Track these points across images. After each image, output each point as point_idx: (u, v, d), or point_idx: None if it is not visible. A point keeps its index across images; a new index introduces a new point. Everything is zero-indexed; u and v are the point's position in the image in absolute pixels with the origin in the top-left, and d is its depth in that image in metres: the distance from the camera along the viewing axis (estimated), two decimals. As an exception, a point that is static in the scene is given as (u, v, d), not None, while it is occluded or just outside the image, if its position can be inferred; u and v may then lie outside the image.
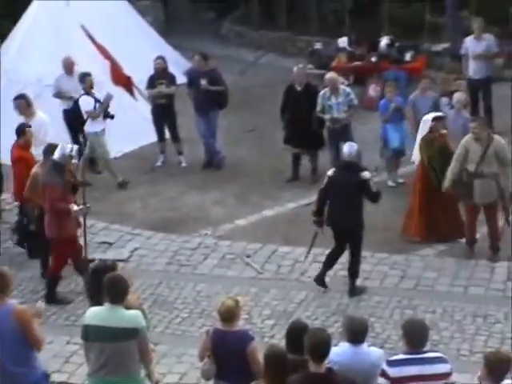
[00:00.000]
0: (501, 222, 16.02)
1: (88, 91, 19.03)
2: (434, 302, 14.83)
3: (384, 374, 9.68)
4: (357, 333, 9.94)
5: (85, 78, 19.08)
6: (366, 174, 14.75)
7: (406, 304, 14.80)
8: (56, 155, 15.03)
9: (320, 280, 15.17)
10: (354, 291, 15.16)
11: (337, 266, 15.42)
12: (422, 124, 17.05)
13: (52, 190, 14.87)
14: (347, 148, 15.20)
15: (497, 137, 15.91)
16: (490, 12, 22.65)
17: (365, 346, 10.01)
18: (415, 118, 18.34)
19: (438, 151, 16.40)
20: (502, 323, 14.23)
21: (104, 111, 19.08)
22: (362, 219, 14.96)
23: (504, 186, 15.58)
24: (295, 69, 19.46)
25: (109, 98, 19.14)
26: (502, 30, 21.65)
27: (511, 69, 23.83)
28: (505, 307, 14.62)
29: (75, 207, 14.95)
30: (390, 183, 18.51)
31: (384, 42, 24.51)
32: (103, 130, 19.19)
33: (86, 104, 19.05)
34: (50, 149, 15.24)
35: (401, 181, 18.83)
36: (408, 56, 24.09)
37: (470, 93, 20.58)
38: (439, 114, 17.01)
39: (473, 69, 20.92)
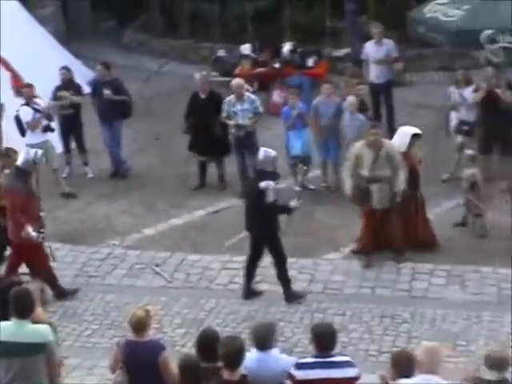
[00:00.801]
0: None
1: (28, 101, 18.88)
2: (342, 304, 15.09)
3: (290, 377, 9.84)
4: (263, 339, 10.02)
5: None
6: (262, 184, 14.77)
7: (316, 307, 14.99)
8: (19, 161, 15.07)
9: (248, 293, 15.32)
10: (291, 297, 15.23)
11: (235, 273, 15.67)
12: (397, 135, 16.96)
13: (14, 197, 14.91)
14: (259, 155, 15.31)
15: (387, 141, 16.23)
16: (388, 17, 22.98)
17: (274, 351, 10.07)
18: (318, 122, 18.57)
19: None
20: (408, 323, 14.59)
21: (45, 121, 18.90)
22: (273, 227, 15.05)
23: (396, 190, 15.87)
24: (198, 76, 19.55)
25: (49, 108, 19.04)
26: (400, 35, 21.90)
27: (411, 73, 24.25)
28: (410, 307, 15.01)
29: (29, 230, 14.79)
30: (297, 188, 18.60)
31: (286, 48, 24.68)
32: (46, 141, 18.88)
33: (25, 115, 18.86)
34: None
35: (312, 187, 18.97)
36: (310, 61, 24.28)
37: (371, 97, 20.96)
38: (418, 131, 16.92)
39: (374, 73, 21.12)
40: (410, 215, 16.33)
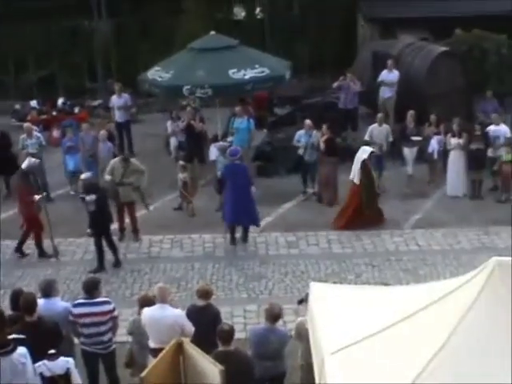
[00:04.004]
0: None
1: None
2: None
3: (70, 313, 9.89)
4: (43, 289, 9.99)
5: None
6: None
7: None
8: (24, 165, 14.92)
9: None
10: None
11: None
12: (361, 151, 16.35)
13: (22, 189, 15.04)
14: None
15: (133, 160, 16.08)
16: (125, 78, 23.02)
17: (56, 299, 10.05)
18: (84, 148, 18.36)
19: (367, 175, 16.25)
20: (148, 274, 14.39)
21: None
22: (105, 224, 14.67)
23: (141, 187, 15.80)
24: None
25: None
26: (133, 90, 22.00)
27: (142, 114, 24.30)
28: (150, 264, 14.80)
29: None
30: (72, 192, 18.42)
31: (60, 101, 24.50)
32: None
33: None
34: None
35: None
36: (76, 109, 24.08)
37: (117, 131, 20.73)
38: (373, 150, 16.66)
39: (118, 115, 20.89)
40: None
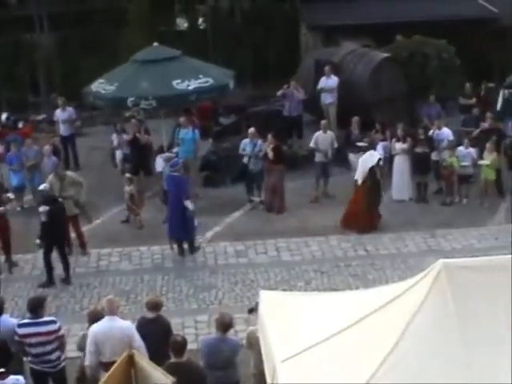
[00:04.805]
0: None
1: None
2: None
3: (15, 333, 9.82)
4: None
5: None
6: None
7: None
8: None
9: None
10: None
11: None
12: (369, 155, 16.63)
13: None
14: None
15: (69, 173, 15.98)
16: (69, 91, 22.78)
17: (4, 317, 10.04)
18: (28, 163, 18.21)
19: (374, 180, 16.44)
20: (98, 287, 14.28)
21: None
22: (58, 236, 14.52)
23: (81, 202, 15.73)
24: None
25: None
26: (78, 103, 21.79)
27: (86, 127, 24.02)
28: (99, 278, 14.70)
29: None
30: (18, 208, 18.20)
31: (4, 116, 24.06)
32: None
33: None
34: None
35: (26, 206, 18.18)
36: (21, 124, 23.68)
37: (62, 145, 20.62)
38: (380, 157, 16.88)
39: (62, 129, 20.75)
40: None
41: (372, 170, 16.43)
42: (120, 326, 9.49)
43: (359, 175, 16.51)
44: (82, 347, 10.01)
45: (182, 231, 15.43)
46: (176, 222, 15.30)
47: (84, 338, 9.95)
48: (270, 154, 17.52)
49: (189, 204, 15.26)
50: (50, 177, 15.81)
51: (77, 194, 15.65)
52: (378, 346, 6.41)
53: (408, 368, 6.25)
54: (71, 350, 10.65)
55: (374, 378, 6.20)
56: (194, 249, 15.68)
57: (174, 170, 15.49)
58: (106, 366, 9.16)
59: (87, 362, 9.54)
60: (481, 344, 6.32)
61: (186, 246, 15.68)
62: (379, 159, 16.75)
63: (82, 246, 15.90)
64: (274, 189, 17.71)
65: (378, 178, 16.66)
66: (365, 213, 16.36)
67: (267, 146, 17.65)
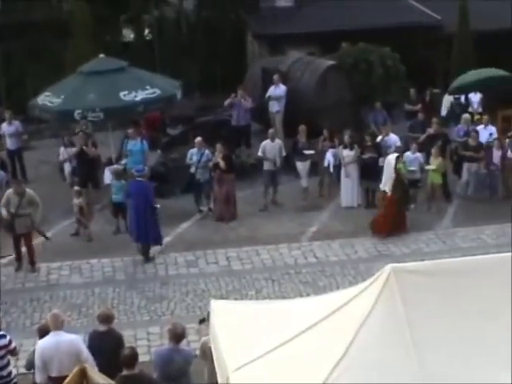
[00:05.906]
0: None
1: None
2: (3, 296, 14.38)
3: None
4: None
5: None
6: None
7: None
8: None
9: None
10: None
11: None
12: (391, 157, 16.65)
13: None
14: None
15: (28, 190, 15.64)
16: (15, 104, 22.47)
17: None
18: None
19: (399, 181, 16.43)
20: (48, 302, 14.15)
21: None
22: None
23: (36, 220, 15.45)
24: None
25: None
26: (24, 117, 21.47)
27: (34, 140, 23.62)
28: (49, 292, 14.56)
29: None
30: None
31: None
32: None
33: None
34: None
35: None
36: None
37: (9, 159, 20.43)
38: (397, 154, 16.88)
39: (9, 143, 20.50)
40: None
41: (397, 174, 16.47)
42: (67, 340, 9.39)
43: (386, 183, 16.49)
44: (31, 364, 9.87)
45: (149, 235, 15.56)
46: (144, 226, 15.38)
47: (33, 354, 9.80)
48: (222, 164, 17.50)
49: (157, 205, 15.58)
50: (9, 192, 15.57)
51: (33, 213, 15.41)
52: (329, 352, 6.45)
53: (360, 371, 6.29)
54: (23, 366, 10.50)
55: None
56: (148, 255, 15.74)
57: (139, 176, 15.61)
58: (56, 380, 9.07)
59: (38, 380, 9.41)
60: (431, 346, 6.39)
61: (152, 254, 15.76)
62: (397, 156, 16.74)
63: (32, 263, 15.69)
64: (226, 198, 17.69)
65: (403, 179, 16.75)
66: (396, 216, 16.50)
67: (217, 156, 17.66)
